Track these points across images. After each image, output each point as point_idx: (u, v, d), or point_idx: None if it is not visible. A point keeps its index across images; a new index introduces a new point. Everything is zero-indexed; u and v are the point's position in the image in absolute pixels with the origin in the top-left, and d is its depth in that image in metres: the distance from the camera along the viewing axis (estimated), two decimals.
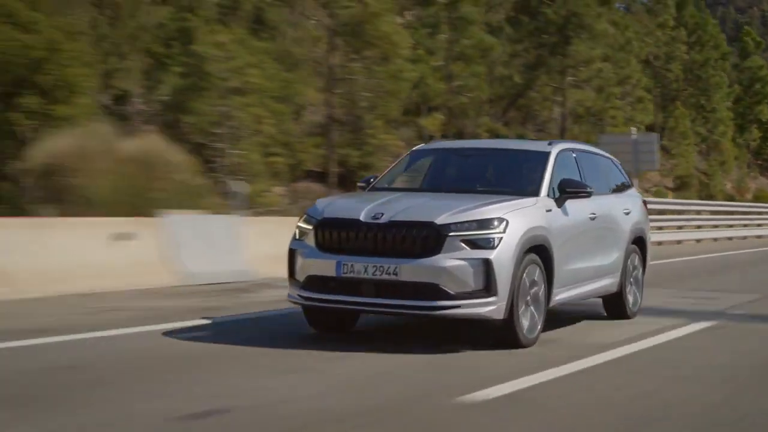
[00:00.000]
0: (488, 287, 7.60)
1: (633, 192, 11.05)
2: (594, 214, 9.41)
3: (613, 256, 9.92)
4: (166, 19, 24.52)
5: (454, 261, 7.56)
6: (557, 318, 9.70)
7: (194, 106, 21.78)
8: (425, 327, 9.20)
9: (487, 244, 7.66)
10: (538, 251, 8.26)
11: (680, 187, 48.18)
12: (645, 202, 11.28)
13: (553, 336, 8.73)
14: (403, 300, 7.65)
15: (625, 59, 43.41)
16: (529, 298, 8.08)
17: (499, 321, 7.77)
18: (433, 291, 7.55)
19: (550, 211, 8.54)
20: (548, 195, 8.67)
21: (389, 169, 9.91)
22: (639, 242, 10.64)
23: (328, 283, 7.94)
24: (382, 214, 7.84)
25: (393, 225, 7.74)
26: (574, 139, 40.03)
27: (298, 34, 28.84)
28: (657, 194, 41.04)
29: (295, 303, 8.26)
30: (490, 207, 7.97)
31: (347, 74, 27.86)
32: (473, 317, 7.71)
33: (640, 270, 10.72)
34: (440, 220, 7.71)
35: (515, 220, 7.92)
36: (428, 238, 7.62)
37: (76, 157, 15.14)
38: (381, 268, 7.64)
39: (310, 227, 8.11)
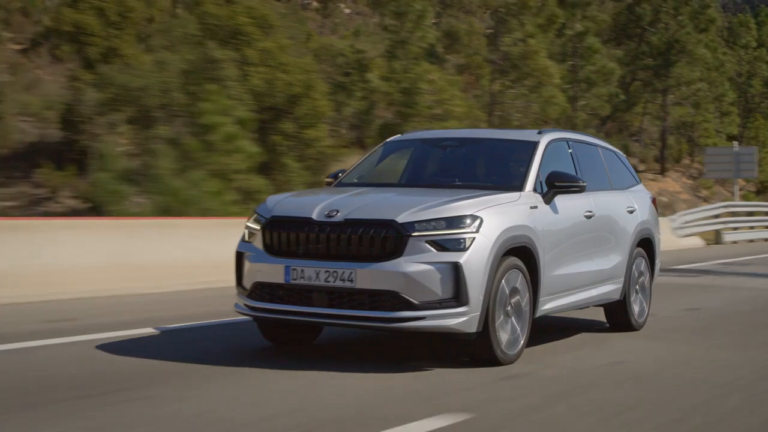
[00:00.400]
0: (458, 295, 6.32)
1: (640, 188, 9.54)
2: (590, 212, 8.00)
3: (615, 260, 8.46)
4: (346, 52, 29.09)
5: (417, 265, 6.27)
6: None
7: (403, 131, 24.84)
8: (401, 340, 7.84)
9: (457, 245, 6.38)
10: (520, 254, 6.92)
11: (762, 191, 49.57)
12: (654, 201, 10.20)
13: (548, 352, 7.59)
14: (359, 310, 6.38)
15: (719, 79, 46.75)
16: (509, 308, 6.75)
17: (472, 335, 6.48)
18: (393, 300, 6.28)
19: (535, 208, 7.17)
20: (534, 190, 7.31)
21: (359, 162, 8.51)
22: (646, 245, 9.17)
23: (276, 291, 6.66)
24: (337, 212, 6.56)
25: (348, 224, 6.46)
26: (670, 148, 43.56)
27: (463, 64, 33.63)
28: (745, 198, 43.03)
29: (242, 314, 7.00)
30: (462, 203, 6.63)
31: (504, 99, 32.01)
32: (441, 330, 6.38)
33: (648, 276, 9.21)
34: (402, 217, 6.40)
35: (491, 217, 6.60)
36: (388, 239, 6.34)
37: None
38: (334, 274, 6.39)
39: (258, 227, 6.87)
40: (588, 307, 8.37)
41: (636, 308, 8.90)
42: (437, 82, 26.41)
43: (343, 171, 8.28)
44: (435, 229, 6.41)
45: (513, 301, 6.83)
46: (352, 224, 6.47)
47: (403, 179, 8.16)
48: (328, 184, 8.14)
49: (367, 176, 8.17)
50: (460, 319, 6.38)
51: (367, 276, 6.36)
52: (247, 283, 6.87)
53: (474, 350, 6.72)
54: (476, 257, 6.43)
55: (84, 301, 9.92)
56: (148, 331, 7.86)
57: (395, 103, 26.46)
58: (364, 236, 6.40)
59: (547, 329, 8.64)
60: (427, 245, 6.36)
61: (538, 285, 7.14)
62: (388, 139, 8.63)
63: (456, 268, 6.34)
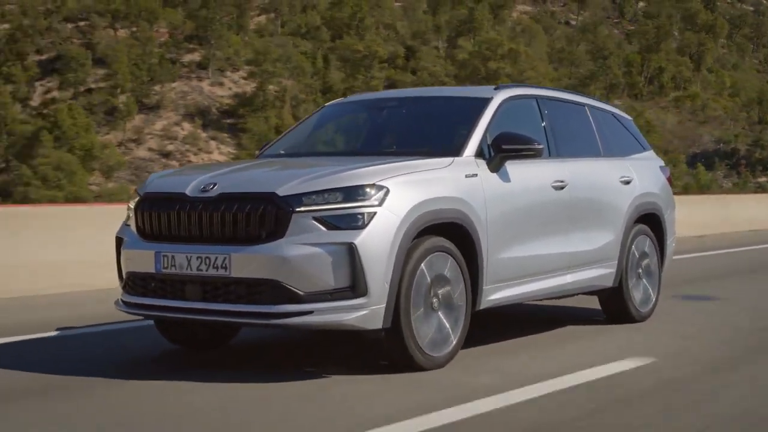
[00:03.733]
0: (354, 284, 4.82)
1: (646, 156, 7.59)
2: (561, 181, 6.26)
3: (602, 240, 6.67)
4: None
5: (302, 248, 4.80)
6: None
7: None
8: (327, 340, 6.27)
9: (353, 222, 4.87)
10: (450, 233, 5.33)
11: None
12: (668, 172, 8.55)
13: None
14: (236, 304, 4.93)
15: None
16: (435, 300, 5.20)
17: (377, 332, 4.95)
18: (274, 291, 4.82)
19: (473, 176, 5.53)
20: (477, 155, 5.68)
21: (290, 129, 6.93)
22: (651, 222, 7.31)
23: (148, 283, 5.27)
24: (214, 185, 5.11)
25: (223, 199, 4.98)
26: None
27: None
28: None
29: (121, 311, 5.57)
30: (362, 170, 5.06)
31: None
32: (334, 327, 4.86)
33: (655, 258, 7.28)
34: (284, 189, 4.88)
35: (401, 188, 5.04)
36: (266, 216, 4.87)
37: None
38: (207, 260, 4.95)
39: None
40: (567, 296, 6.90)
41: (637, 296, 7.03)
42: None
43: (270, 142, 7.03)
44: (326, 202, 4.87)
45: (440, 291, 5.24)
46: (227, 199, 4.97)
47: (332, 148, 6.88)
48: (257, 157, 6.94)
49: (297, 146, 6.54)
50: (358, 313, 4.85)
51: (242, 262, 4.88)
52: (124, 273, 5.73)
53: (387, 350, 5.16)
54: (378, 237, 4.87)
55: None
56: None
57: None
58: (240, 213, 4.91)
59: (524, 322, 7.17)
60: (316, 223, 4.83)
61: (479, 271, 5.50)
62: (327, 103, 7.32)
63: (350, 250, 4.81)
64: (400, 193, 5.07)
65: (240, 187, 5.10)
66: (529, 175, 6.03)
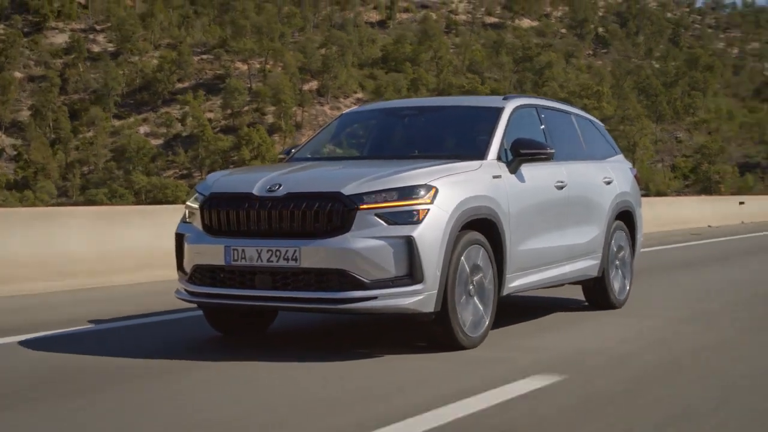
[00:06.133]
0: (412, 273, 5.40)
1: (619, 159, 8.49)
2: (562, 182, 7.02)
3: (591, 234, 7.48)
4: None
5: (366, 241, 5.38)
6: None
7: None
8: (360, 326, 6.96)
9: (410, 218, 5.46)
10: (481, 228, 5.96)
11: None
12: (636, 173, 9.54)
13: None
14: (305, 291, 5.46)
15: None
16: (471, 287, 5.83)
17: (430, 315, 5.56)
18: (341, 279, 5.38)
19: (498, 177, 6.22)
20: (499, 159, 6.39)
21: (314, 136, 7.52)
22: (625, 218, 8.17)
23: (217, 275, 5.74)
24: (280, 186, 5.62)
25: (291, 198, 5.52)
26: None
27: None
28: None
29: (183, 300, 6.05)
30: (414, 172, 5.67)
31: None
32: (395, 311, 5.44)
33: (628, 251, 8.16)
34: (348, 189, 5.46)
35: (447, 188, 5.67)
36: (333, 213, 5.42)
37: None
38: (277, 253, 5.49)
39: (197, 206, 5.95)
40: (563, 284, 7.71)
41: (616, 285, 7.88)
42: None
43: (297, 146, 7.69)
44: (385, 200, 5.45)
45: (475, 279, 5.86)
46: (295, 198, 5.51)
47: (358, 152, 7.53)
48: (281, 160, 7.57)
49: (322, 150, 7.15)
50: (416, 298, 5.45)
51: (312, 254, 5.43)
52: (187, 266, 6.03)
53: (433, 333, 5.82)
54: (431, 230, 5.50)
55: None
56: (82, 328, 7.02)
57: None
58: (308, 211, 5.45)
59: (517, 309, 7.84)
60: (377, 219, 5.42)
61: (503, 261, 6.17)
62: (344, 111, 8.01)
63: (409, 242, 5.40)
64: (447, 192, 5.73)
65: (306, 187, 5.67)
66: (538, 176, 6.78)
